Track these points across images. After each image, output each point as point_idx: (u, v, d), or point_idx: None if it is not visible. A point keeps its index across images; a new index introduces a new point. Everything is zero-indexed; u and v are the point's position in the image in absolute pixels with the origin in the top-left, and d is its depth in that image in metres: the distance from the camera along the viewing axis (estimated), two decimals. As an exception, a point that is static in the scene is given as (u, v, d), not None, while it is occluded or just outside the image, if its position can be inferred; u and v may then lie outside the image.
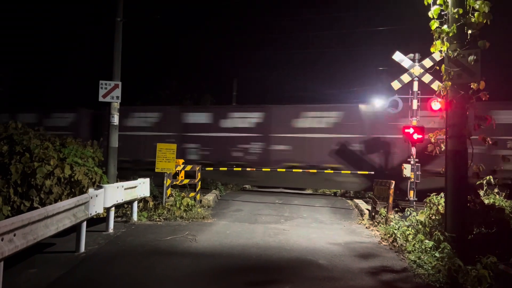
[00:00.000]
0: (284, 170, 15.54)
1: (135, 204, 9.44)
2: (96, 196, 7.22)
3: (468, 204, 6.91)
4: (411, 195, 11.09)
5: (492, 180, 8.32)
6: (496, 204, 8.15)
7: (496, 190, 9.14)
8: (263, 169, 15.70)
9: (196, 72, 29.89)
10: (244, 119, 17.65)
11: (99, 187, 7.78)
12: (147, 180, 10.05)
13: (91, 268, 5.90)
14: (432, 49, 7.06)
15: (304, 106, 17.49)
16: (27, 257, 6.05)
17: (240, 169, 15.65)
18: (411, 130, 10.85)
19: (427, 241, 6.95)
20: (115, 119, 11.56)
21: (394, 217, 9.18)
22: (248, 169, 15.68)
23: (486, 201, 8.08)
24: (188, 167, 12.17)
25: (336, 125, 16.43)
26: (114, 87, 11.26)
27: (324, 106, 17.12)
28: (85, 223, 6.74)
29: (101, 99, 11.24)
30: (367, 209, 11.57)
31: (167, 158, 10.93)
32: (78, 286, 5.28)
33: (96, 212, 7.19)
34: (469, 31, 6.43)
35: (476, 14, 6.26)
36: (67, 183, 9.07)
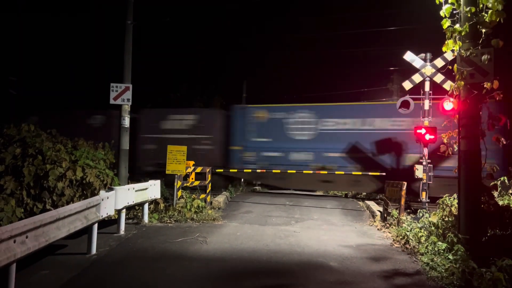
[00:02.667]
0: None
1: (146, 206, 9.47)
2: (107, 198, 7.26)
3: (482, 206, 6.79)
4: (423, 196, 10.96)
5: (506, 181, 8.18)
6: (511, 205, 8.00)
7: (511, 191, 8.99)
8: None
9: (206, 74, 29.96)
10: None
11: (110, 189, 7.83)
12: (158, 182, 10.08)
13: (102, 270, 5.93)
14: (444, 48, 6.96)
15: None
16: (39, 258, 6.11)
17: None
18: (423, 131, 10.73)
19: (440, 243, 6.85)
20: (126, 122, 11.62)
21: (406, 218, 9.07)
22: None
23: (500, 202, 7.94)
24: (199, 169, 12.18)
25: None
26: (125, 89, 11.33)
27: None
28: (96, 225, 6.78)
29: (112, 101, 11.32)
30: (379, 211, 11.45)
31: (177, 160, 10.95)
32: (90, 288, 5.30)
33: (107, 214, 7.23)
34: (482, 30, 6.33)
35: (489, 12, 6.16)
36: (79, 185, 9.14)
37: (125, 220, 8.52)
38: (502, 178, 8.14)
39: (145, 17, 12.62)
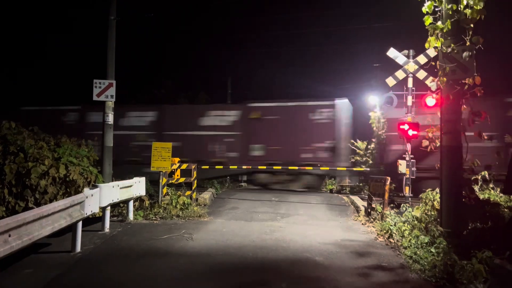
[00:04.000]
0: None
1: (131, 203, 9.41)
2: (92, 195, 7.18)
3: (463, 199, 6.94)
4: (407, 191, 11.13)
5: (487, 175, 8.37)
6: (491, 199, 8.19)
7: (491, 185, 9.19)
8: None
9: (191, 71, 29.82)
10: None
11: (95, 186, 7.75)
12: (143, 179, 10.02)
13: (87, 268, 5.88)
14: (426, 45, 7.07)
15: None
16: (22, 257, 6.02)
17: None
18: (406, 127, 10.88)
19: (423, 236, 6.98)
20: (110, 119, 11.47)
21: (390, 213, 9.20)
22: None
23: (481, 196, 8.12)
24: (184, 166, 12.14)
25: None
26: (108, 86, 11.18)
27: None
28: (80, 222, 6.71)
29: (95, 98, 11.16)
30: (363, 206, 11.59)
31: (162, 157, 10.89)
32: (75, 286, 5.25)
33: (91, 211, 7.15)
34: (465, 27, 6.44)
35: (470, 10, 6.27)
36: (62, 182, 9.02)
37: (110, 218, 8.45)
38: (482, 173, 8.31)
39: (129, 12, 12.42)
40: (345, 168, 15.55)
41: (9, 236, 4.69)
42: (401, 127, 10.96)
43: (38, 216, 5.35)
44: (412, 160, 11.13)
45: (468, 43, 6.48)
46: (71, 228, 6.53)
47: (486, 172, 8.32)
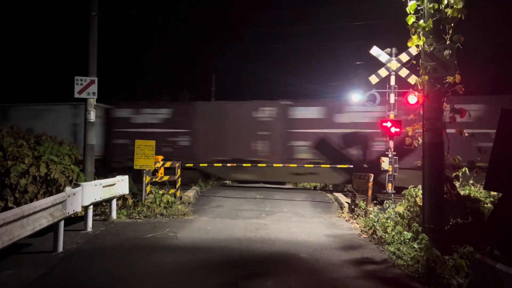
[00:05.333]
0: None
1: (114, 202, 9.29)
2: (74, 194, 7.07)
3: (445, 196, 7.06)
4: (389, 187, 11.27)
5: (467, 171, 8.53)
6: (472, 195, 8.35)
7: (471, 181, 9.37)
8: None
9: (174, 67, 29.53)
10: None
11: (77, 185, 7.62)
12: (126, 177, 9.90)
13: (69, 268, 5.78)
14: (409, 44, 7.15)
15: None
16: (2, 258, 5.88)
17: None
18: (388, 124, 11.01)
19: (405, 232, 7.09)
20: (92, 116, 11.33)
21: (373, 209, 9.32)
22: None
23: (462, 192, 8.28)
24: (168, 164, 12.04)
25: None
26: (90, 83, 11.03)
27: None
28: (62, 222, 6.59)
29: (76, 95, 11.00)
30: (347, 202, 11.70)
31: (146, 155, 10.77)
32: (57, 287, 5.16)
33: (74, 211, 7.04)
34: (446, 26, 6.54)
35: (450, 9, 6.37)
36: (43, 181, 8.85)
37: (93, 217, 8.32)
38: (463, 169, 8.47)
39: (110, 8, 12.24)
40: (328, 166, 15.65)
41: (-11, 236, 4.58)
42: (384, 124, 11.09)
43: (19, 216, 5.24)
44: (395, 157, 11.28)
45: (449, 42, 6.59)
46: (53, 227, 6.41)
47: (467, 169, 8.48)
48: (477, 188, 9.16)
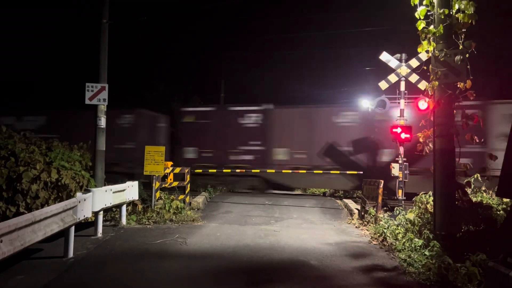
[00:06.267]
0: None
1: (124, 208, 9.33)
2: (84, 200, 7.12)
3: (456, 202, 6.98)
4: (400, 194, 11.17)
5: (479, 178, 8.43)
6: (484, 201, 8.25)
7: (483, 188, 9.26)
8: None
9: (184, 74, 29.74)
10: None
11: (87, 191, 7.68)
12: (136, 183, 9.95)
13: (80, 274, 5.80)
14: (419, 49, 7.13)
15: None
16: (14, 263, 5.93)
17: None
18: (398, 130, 10.94)
19: (416, 239, 7.02)
20: (102, 122, 11.41)
21: (384, 216, 9.24)
22: None
23: (474, 199, 8.18)
24: (177, 170, 12.08)
25: None
26: (100, 89, 11.12)
27: None
28: (73, 227, 6.63)
29: (87, 101, 11.09)
30: (357, 209, 11.62)
31: (155, 161, 10.83)
32: (67, 292, 5.19)
33: (84, 216, 7.08)
34: (457, 31, 6.51)
35: (461, 14, 6.34)
36: (54, 187, 8.92)
37: (103, 222, 8.36)
38: (475, 175, 8.38)
39: (121, 16, 12.40)
40: (338, 172, 15.57)
41: (1, 242, 4.62)
42: (394, 130, 11.02)
43: (31, 221, 5.29)
44: (405, 163, 11.18)
45: (460, 47, 6.55)
46: (64, 233, 6.46)
47: (479, 175, 8.39)
48: (490, 195, 9.05)
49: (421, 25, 6.84)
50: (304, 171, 15.94)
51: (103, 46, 11.60)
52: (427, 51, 7.10)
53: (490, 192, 9.13)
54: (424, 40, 6.92)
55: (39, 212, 5.64)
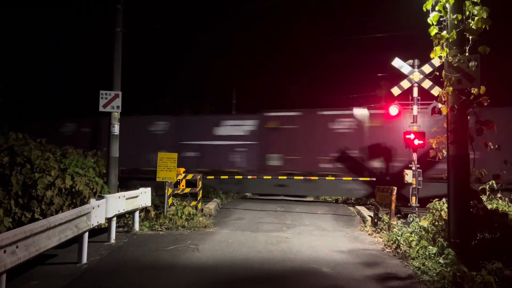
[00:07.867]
0: None
1: (137, 214, 9.40)
2: (98, 206, 7.20)
3: (471, 210, 6.88)
4: (413, 201, 11.04)
5: (495, 185, 8.30)
6: (500, 209, 8.11)
7: (499, 195, 9.12)
8: None
9: (195, 81, 29.90)
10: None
11: (101, 197, 7.77)
12: (149, 189, 10.02)
13: (93, 280, 5.86)
14: (432, 55, 7.08)
15: None
16: (28, 268, 6.02)
17: None
18: (411, 136, 10.84)
19: (430, 247, 6.92)
20: (116, 129, 11.56)
21: (397, 223, 9.14)
22: None
23: (489, 206, 8.05)
24: (189, 176, 12.14)
25: None
26: (114, 97, 11.29)
27: None
28: (87, 233, 6.71)
29: (101, 109, 11.26)
30: (369, 216, 11.52)
31: (168, 167, 10.91)
32: (81, 298, 5.24)
33: (98, 222, 7.16)
34: (469, 37, 6.45)
35: (475, 19, 6.29)
36: (68, 193, 9.04)
37: (116, 229, 8.44)
38: (490, 182, 8.25)
39: (134, 24, 12.58)
40: (350, 178, 15.45)
41: (17, 247, 4.70)
42: (407, 136, 10.93)
43: (45, 227, 5.37)
44: (418, 170, 11.07)
45: (468, 53, 6.48)
46: (78, 239, 6.53)
47: (494, 182, 8.26)
48: (505, 202, 8.90)
49: (433, 30, 6.80)
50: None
51: (117, 54, 11.79)
52: (440, 57, 7.05)
53: (506, 199, 8.98)
54: (437, 45, 6.87)
55: (54, 218, 5.72)
